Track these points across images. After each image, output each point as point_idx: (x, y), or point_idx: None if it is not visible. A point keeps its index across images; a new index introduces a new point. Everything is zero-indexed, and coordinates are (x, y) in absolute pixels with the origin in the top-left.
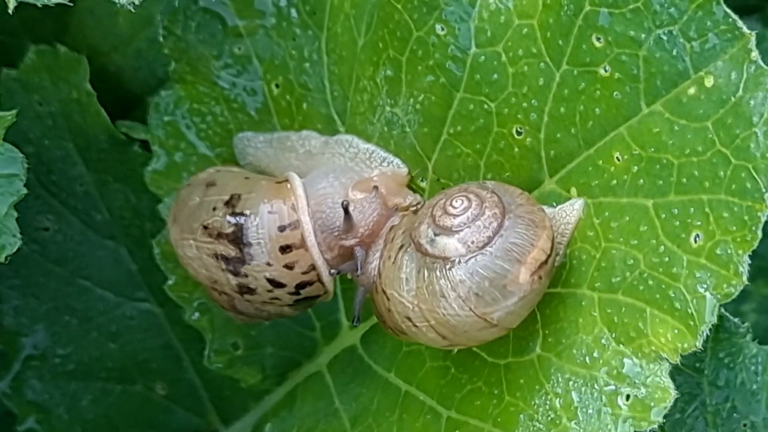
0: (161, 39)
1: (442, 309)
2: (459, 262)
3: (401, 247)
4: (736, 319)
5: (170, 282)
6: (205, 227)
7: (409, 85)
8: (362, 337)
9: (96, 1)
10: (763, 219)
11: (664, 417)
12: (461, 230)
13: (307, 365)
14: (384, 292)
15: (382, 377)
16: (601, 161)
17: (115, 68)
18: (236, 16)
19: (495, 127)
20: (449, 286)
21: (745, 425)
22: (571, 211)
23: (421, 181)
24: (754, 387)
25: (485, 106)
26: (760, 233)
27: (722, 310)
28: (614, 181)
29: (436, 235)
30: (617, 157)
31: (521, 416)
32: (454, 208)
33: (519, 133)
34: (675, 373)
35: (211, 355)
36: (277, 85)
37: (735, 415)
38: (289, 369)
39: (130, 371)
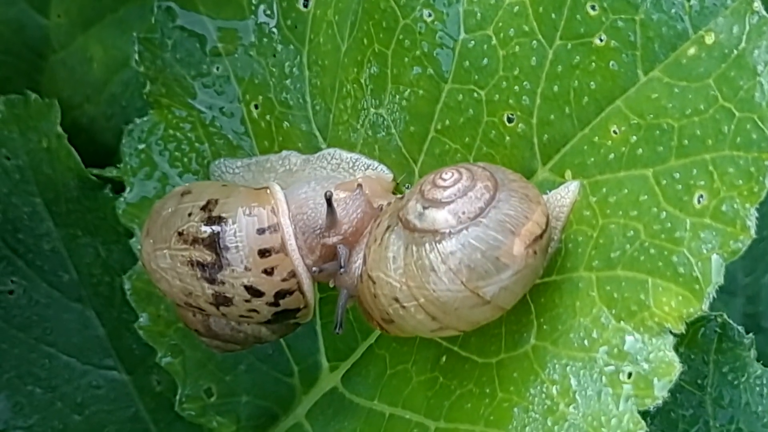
0: (136, 57)
1: (432, 284)
2: (449, 234)
3: (388, 227)
4: (740, 327)
5: (141, 320)
6: (180, 233)
7: (395, 80)
8: (343, 377)
9: (68, 52)
10: None
11: None
12: (451, 202)
13: (285, 420)
14: (370, 277)
15: (364, 408)
16: (597, 138)
17: (88, 120)
18: (215, 34)
19: (485, 117)
20: (439, 259)
21: None
22: (566, 193)
23: (406, 187)
24: (760, 409)
25: (475, 95)
26: (767, 183)
27: (725, 317)
28: (611, 156)
29: (424, 208)
30: (614, 131)
31: (515, 410)
32: (443, 180)
33: (510, 120)
34: (677, 391)
35: (183, 400)
36: (256, 106)
37: None
38: (266, 421)
39: None
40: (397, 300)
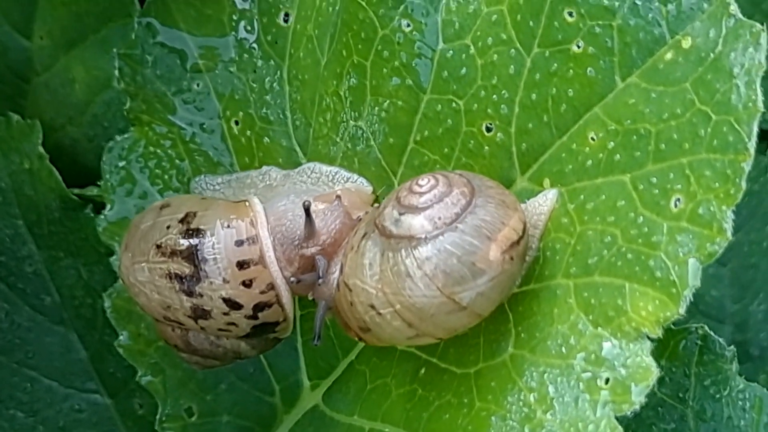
0: (116, 74)
1: (408, 290)
2: (425, 239)
3: (364, 235)
4: (720, 340)
5: (121, 338)
6: (158, 246)
7: (374, 91)
8: (324, 394)
9: (51, 74)
10: (747, 169)
11: None
12: (428, 208)
13: None
14: (346, 285)
15: (344, 424)
16: (574, 145)
17: (70, 141)
18: (195, 50)
19: (464, 127)
20: (415, 264)
21: None
22: (544, 201)
23: None
24: (742, 423)
25: (453, 105)
26: (744, 184)
27: (707, 329)
28: (589, 162)
29: (401, 214)
30: (592, 137)
31: (493, 419)
32: (419, 186)
33: (489, 130)
34: (658, 405)
35: (164, 419)
36: (236, 122)
37: None
38: None
39: None
40: (373, 307)
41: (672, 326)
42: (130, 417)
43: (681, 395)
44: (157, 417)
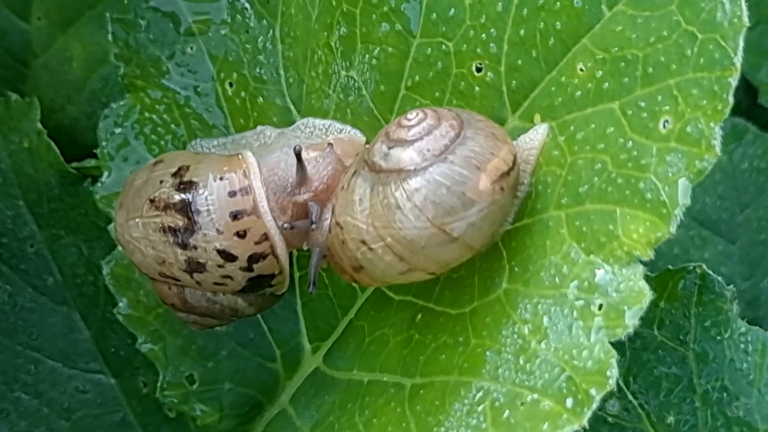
0: (110, 38)
1: (398, 223)
2: (415, 171)
3: (354, 173)
4: (719, 279)
5: (120, 305)
6: (152, 201)
7: (364, 39)
8: (325, 356)
9: (50, 54)
10: (734, 83)
11: (647, 399)
12: (417, 140)
13: (270, 409)
14: (338, 223)
15: (344, 381)
16: (563, 78)
17: (70, 121)
18: (188, 13)
19: (454, 69)
20: (404, 196)
21: (737, 407)
22: (535, 136)
23: None
24: (744, 366)
25: (443, 47)
26: (731, 99)
27: (704, 267)
28: (578, 93)
29: (389, 148)
30: (581, 68)
31: (488, 353)
32: (408, 120)
33: (479, 70)
34: (659, 347)
35: (165, 387)
36: (231, 84)
37: (726, 395)
38: (250, 411)
39: None
40: (364, 242)
41: (670, 267)
42: (134, 396)
43: (681, 337)
44: (158, 384)
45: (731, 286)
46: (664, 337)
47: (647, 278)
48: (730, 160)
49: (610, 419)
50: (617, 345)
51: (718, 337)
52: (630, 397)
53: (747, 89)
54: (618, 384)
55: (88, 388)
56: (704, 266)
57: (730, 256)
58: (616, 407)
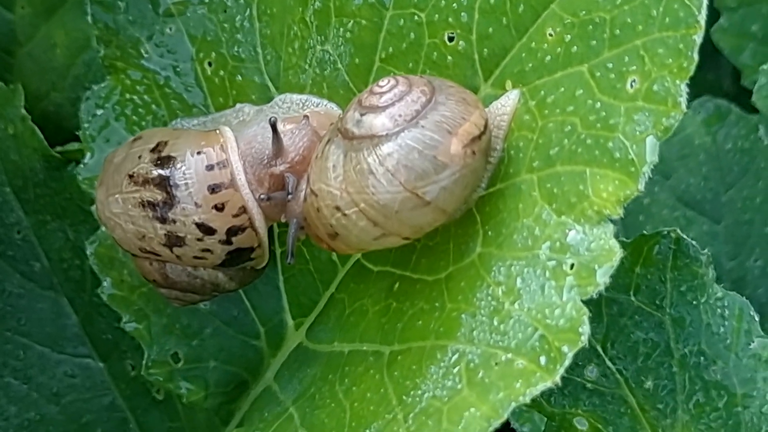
0: (89, 19)
1: (371, 188)
2: (387, 136)
3: (328, 141)
4: (694, 242)
5: (105, 284)
6: (131, 176)
7: (338, 12)
8: (308, 331)
9: (34, 43)
10: (698, 41)
11: (625, 365)
12: (389, 106)
13: (255, 387)
14: (312, 191)
15: (325, 353)
16: (533, 44)
17: (55, 107)
18: None
19: (426, 39)
20: (377, 161)
21: (714, 371)
22: (507, 101)
23: None
24: (722, 330)
25: (415, 18)
26: (696, 56)
27: (679, 232)
28: (548, 58)
29: (362, 115)
30: (550, 33)
31: (463, 317)
32: (380, 87)
33: (451, 39)
34: (635, 313)
35: (150, 365)
36: (210, 63)
37: (703, 359)
38: (235, 388)
39: None
40: (338, 209)
41: (645, 232)
42: (122, 379)
43: (658, 302)
44: (143, 362)
45: (706, 250)
46: (641, 302)
47: (623, 244)
48: (714, 141)
49: (589, 385)
50: (595, 310)
51: (695, 302)
52: (608, 362)
53: (733, 73)
54: (596, 350)
55: (77, 373)
56: (678, 231)
57: (715, 236)
58: (594, 373)
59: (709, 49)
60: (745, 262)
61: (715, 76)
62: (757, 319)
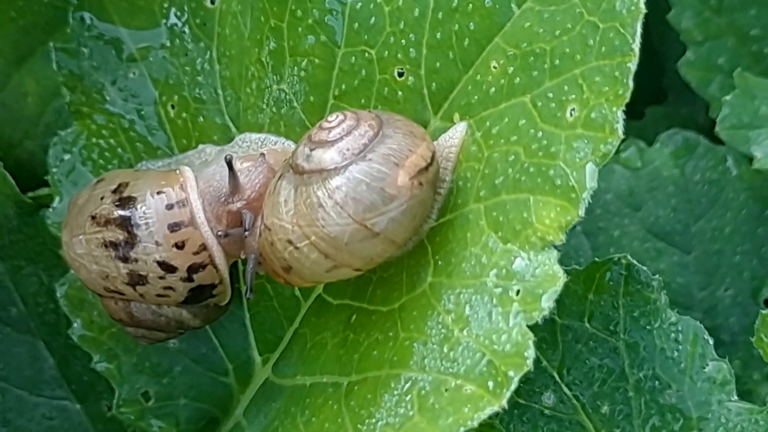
0: (54, 67)
1: (321, 221)
2: (335, 170)
3: (280, 176)
4: (644, 268)
5: (75, 326)
6: (93, 217)
7: (292, 52)
8: (274, 366)
9: (7, 92)
10: (633, 68)
11: (582, 391)
12: (337, 141)
13: (226, 423)
14: (266, 226)
15: (289, 387)
16: (479, 76)
17: (28, 155)
18: (129, 40)
19: (377, 75)
20: (326, 194)
21: (669, 395)
22: (454, 134)
23: None
24: (675, 354)
25: (366, 55)
26: (631, 83)
27: (630, 258)
28: (492, 90)
29: (311, 150)
30: (494, 66)
31: (415, 345)
32: (329, 122)
33: (401, 75)
34: (590, 339)
35: (120, 404)
36: (173, 106)
37: (658, 383)
38: (206, 425)
39: None
40: (290, 242)
41: (596, 260)
42: (99, 420)
43: (611, 328)
44: (114, 401)
45: (657, 276)
46: (595, 328)
47: (576, 272)
48: (683, 173)
49: (547, 412)
50: (550, 337)
51: (648, 327)
52: (565, 389)
53: (707, 107)
54: (553, 377)
55: (55, 415)
56: (629, 256)
57: (686, 267)
58: (552, 399)
59: (682, 83)
60: (716, 292)
61: (690, 111)
62: (711, 342)
